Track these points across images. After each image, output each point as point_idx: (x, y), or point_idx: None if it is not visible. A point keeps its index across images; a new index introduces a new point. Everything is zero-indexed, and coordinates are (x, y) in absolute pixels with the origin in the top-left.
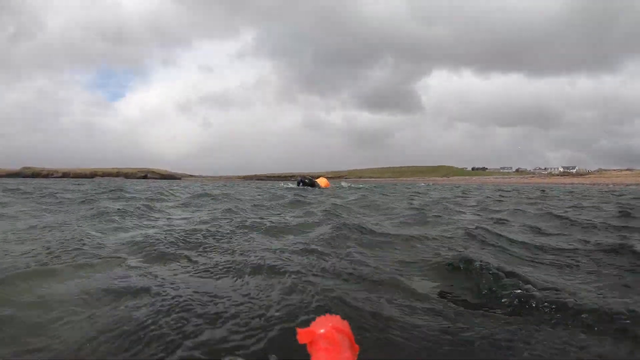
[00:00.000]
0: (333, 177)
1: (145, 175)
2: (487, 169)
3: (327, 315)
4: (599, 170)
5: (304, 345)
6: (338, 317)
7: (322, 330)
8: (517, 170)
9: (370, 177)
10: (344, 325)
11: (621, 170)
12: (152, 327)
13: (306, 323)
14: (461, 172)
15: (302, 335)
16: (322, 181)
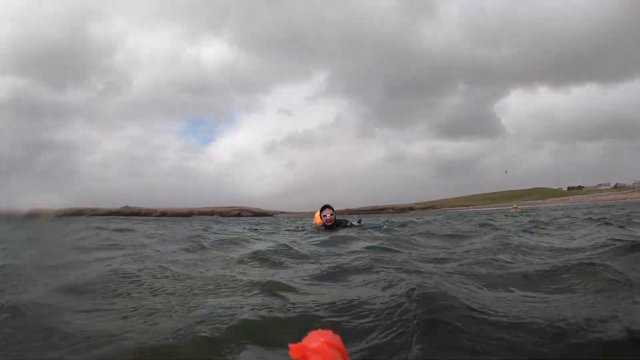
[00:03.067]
0: (425, 207)
1: (239, 213)
2: (583, 187)
3: (319, 330)
4: None
5: None
6: (330, 331)
7: (314, 345)
8: (615, 186)
9: (462, 206)
10: (336, 339)
11: None
12: None
13: (298, 338)
14: (556, 193)
15: (294, 351)
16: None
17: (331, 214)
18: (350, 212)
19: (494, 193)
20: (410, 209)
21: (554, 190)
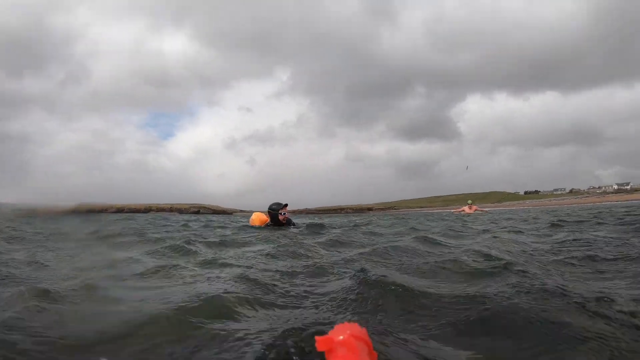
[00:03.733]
0: (384, 208)
1: (198, 210)
2: (539, 192)
3: (345, 323)
4: None
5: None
6: (356, 324)
7: (340, 338)
8: (571, 191)
9: (420, 207)
10: (363, 332)
11: None
12: None
13: (324, 331)
14: (514, 196)
15: (321, 343)
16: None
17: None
18: (309, 212)
19: (452, 195)
20: (370, 209)
21: (511, 194)
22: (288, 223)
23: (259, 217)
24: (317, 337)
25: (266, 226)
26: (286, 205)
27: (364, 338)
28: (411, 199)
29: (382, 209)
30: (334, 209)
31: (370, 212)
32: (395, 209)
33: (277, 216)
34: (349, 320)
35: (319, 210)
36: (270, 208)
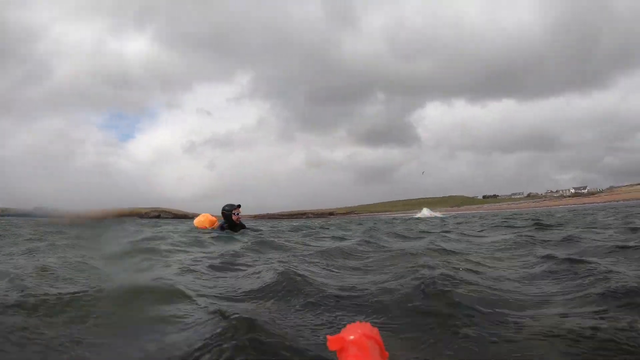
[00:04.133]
0: (345, 212)
1: (159, 215)
2: (498, 196)
3: (357, 323)
4: (610, 188)
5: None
6: (368, 324)
7: (352, 337)
8: (528, 195)
9: (381, 211)
10: (374, 332)
11: (633, 185)
12: None
13: (336, 330)
14: (472, 201)
15: (332, 342)
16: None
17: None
18: (271, 216)
19: (412, 200)
20: (331, 214)
21: (469, 198)
22: (241, 226)
23: (208, 218)
24: (328, 337)
25: (221, 229)
26: (239, 206)
27: (376, 338)
28: (372, 204)
29: (343, 214)
30: (295, 214)
31: (332, 216)
32: (356, 213)
33: (231, 217)
34: (360, 321)
35: (281, 215)
36: (223, 209)
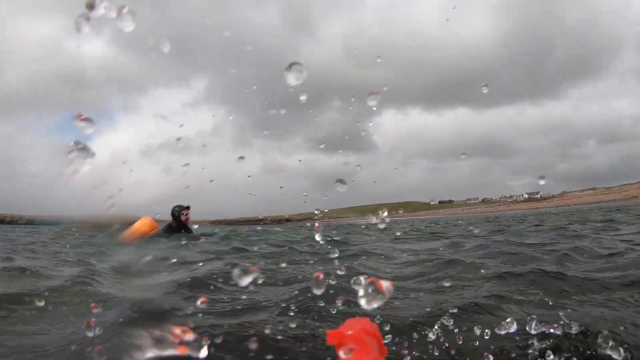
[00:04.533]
0: (301, 219)
1: (111, 222)
2: (453, 201)
3: (357, 318)
4: (562, 193)
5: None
6: (367, 319)
7: (351, 332)
8: (483, 201)
9: (338, 218)
10: (373, 327)
11: (584, 190)
12: None
13: (335, 325)
14: (428, 206)
15: (331, 337)
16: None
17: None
18: (229, 222)
19: (368, 205)
20: (288, 220)
21: (425, 203)
22: (188, 229)
23: (149, 224)
24: (328, 331)
25: (169, 229)
26: (188, 207)
27: (375, 333)
28: (328, 210)
29: (300, 220)
30: (253, 220)
31: (289, 222)
32: (311, 219)
33: (180, 217)
34: (360, 316)
35: (238, 221)
36: (173, 210)
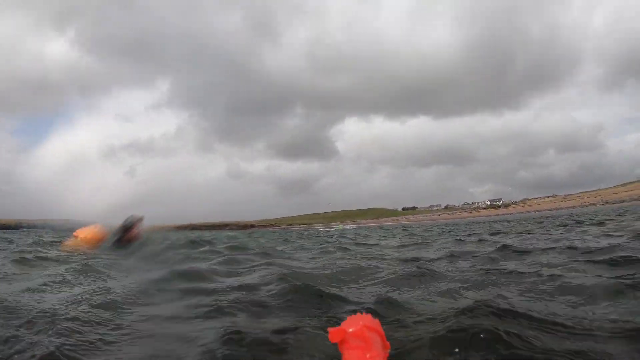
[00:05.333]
0: (266, 225)
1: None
2: (417, 208)
3: (358, 314)
4: (523, 200)
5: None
6: (369, 315)
7: (353, 329)
8: (446, 207)
9: (302, 224)
10: (375, 323)
11: (544, 197)
12: None
13: (337, 322)
14: (392, 213)
15: (333, 334)
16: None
17: None
18: (194, 226)
19: (332, 212)
20: (252, 226)
21: (389, 210)
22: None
23: (92, 235)
24: (329, 329)
25: (113, 246)
26: (141, 219)
27: (377, 329)
28: (293, 216)
29: (264, 226)
30: (218, 225)
31: (253, 228)
32: (277, 225)
33: (128, 231)
34: (360, 312)
35: (204, 226)
36: (124, 222)
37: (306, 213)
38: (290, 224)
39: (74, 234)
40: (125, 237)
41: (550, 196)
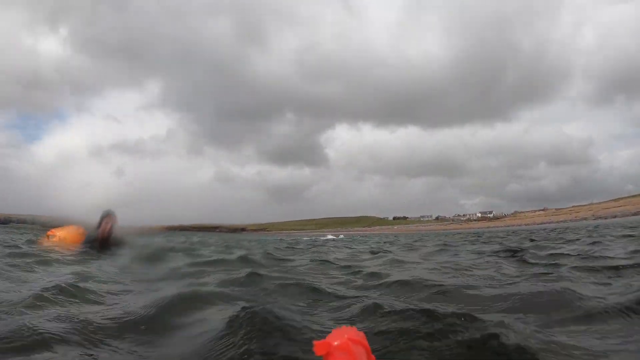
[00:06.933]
0: (257, 229)
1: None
2: (407, 217)
3: (343, 327)
4: (514, 213)
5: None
6: (354, 328)
7: (338, 342)
8: (437, 218)
9: (292, 230)
10: (360, 336)
11: (535, 211)
12: None
13: (322, 335)
14: (383, 222)
15: (319, 347)
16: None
17: None
18: (183, 228)
19: (324, 219)
20: (243, 229)
21: (380, 219)
22: (113, 242)
23: (70, 234)
24: (315, 342)
25: (89, 246)
26: (109, 214)
27: (362, 342)
28: (284, 221)
29: (255, 230)
30: (209, 227)
31: (244, 232)
32: (267, 230)
33: (99, 227)
34: (346, 325)
35: (194, 227)
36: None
37: (298, 219)
38: (281, 230)
39: (49, 233)
40: (98, 237)
41: (542, 209)
